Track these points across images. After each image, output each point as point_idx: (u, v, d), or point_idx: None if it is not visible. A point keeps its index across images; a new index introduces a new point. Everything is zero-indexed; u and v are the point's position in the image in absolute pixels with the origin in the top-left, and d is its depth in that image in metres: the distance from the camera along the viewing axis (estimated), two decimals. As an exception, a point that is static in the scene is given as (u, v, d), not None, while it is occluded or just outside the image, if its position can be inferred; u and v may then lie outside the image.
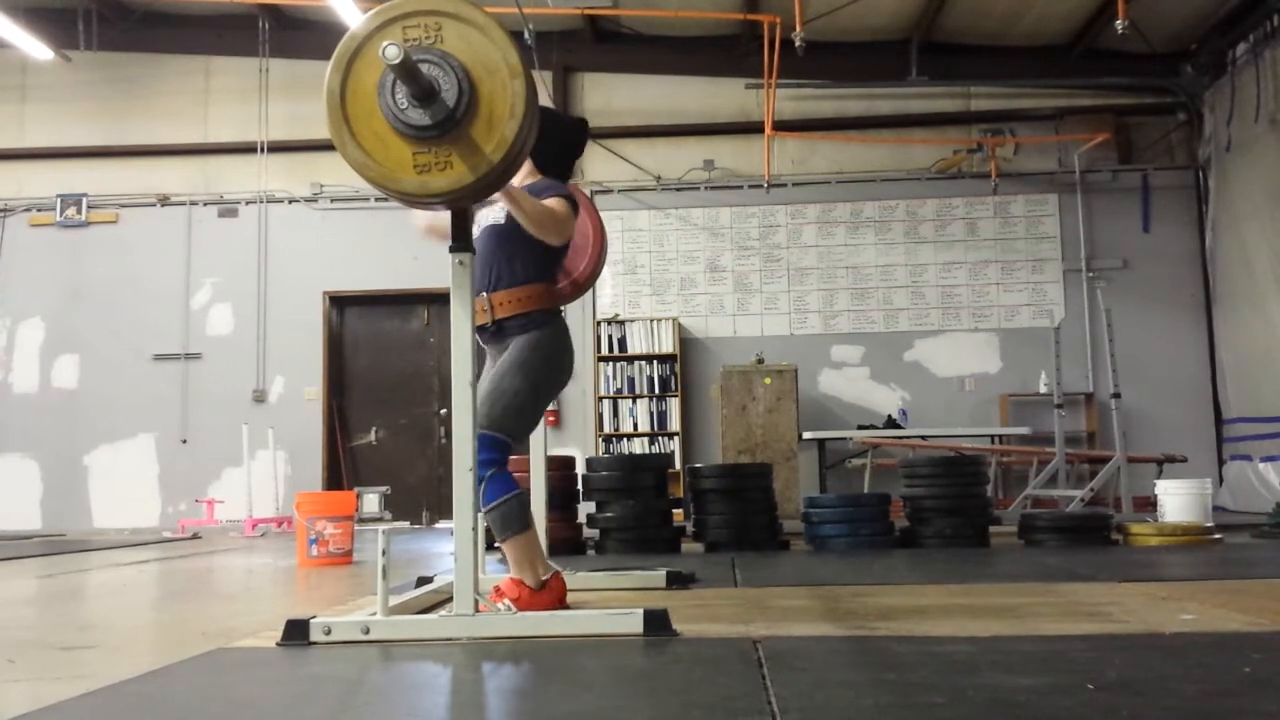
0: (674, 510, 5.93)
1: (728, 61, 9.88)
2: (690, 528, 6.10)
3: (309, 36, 9.78)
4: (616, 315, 9.76)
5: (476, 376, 2.79)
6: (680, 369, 9.54)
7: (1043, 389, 9.11)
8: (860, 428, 9.19)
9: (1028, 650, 2.41)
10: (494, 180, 2.66)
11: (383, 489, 9.16)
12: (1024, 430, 8.95)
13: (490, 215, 3.25)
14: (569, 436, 9.65)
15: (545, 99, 8.40)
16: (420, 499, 9.80)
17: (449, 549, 3.82)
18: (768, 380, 8.36)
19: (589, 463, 5.98)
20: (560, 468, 5.90)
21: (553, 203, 3.16)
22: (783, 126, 9.55)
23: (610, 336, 9.64)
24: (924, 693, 1.96)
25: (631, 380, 9.57)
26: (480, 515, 2.83)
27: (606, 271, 8.82)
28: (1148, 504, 6.87)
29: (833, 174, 9.93)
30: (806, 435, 8.60)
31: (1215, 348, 9.42)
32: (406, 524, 9.42)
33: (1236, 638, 2.57)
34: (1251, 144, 8.71)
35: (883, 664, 2.29)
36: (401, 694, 2.15)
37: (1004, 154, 9.81)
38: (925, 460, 6.00)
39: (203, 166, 10.31)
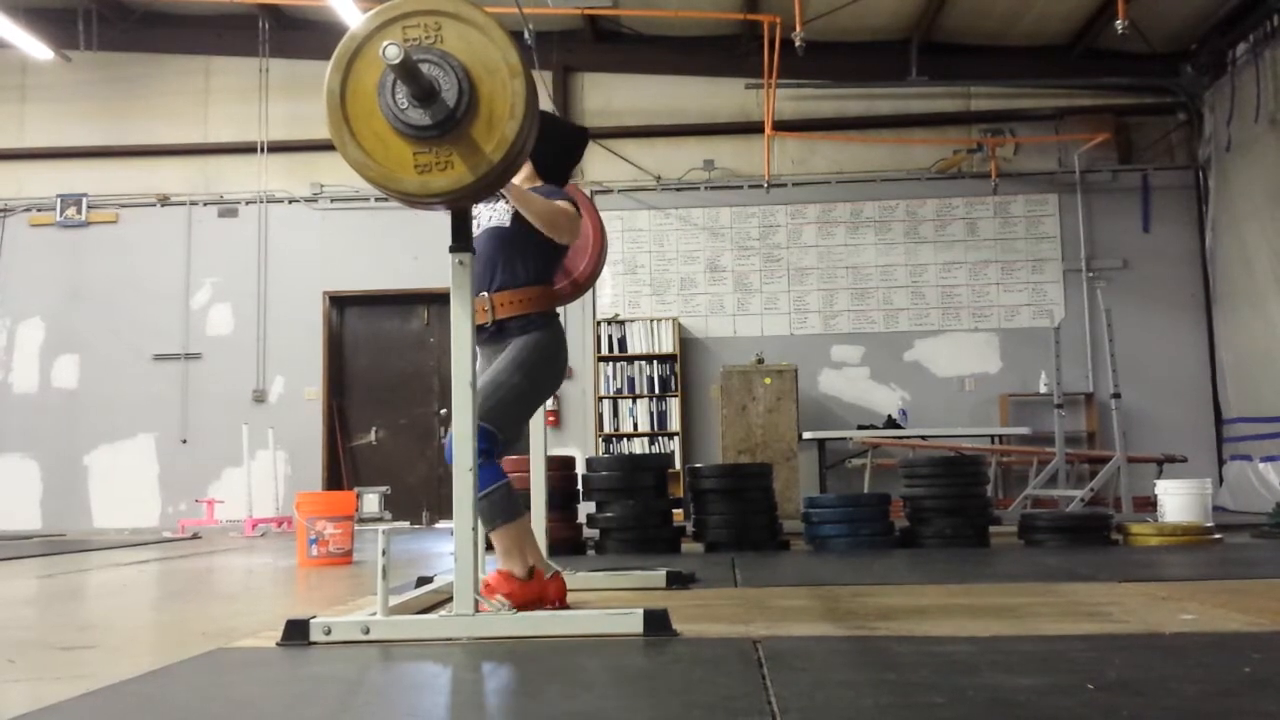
0: (674, 510, 5.93)
1: (728, 61, 9.88)
2: (690, 528, 6.10)
3: (309, 36, 9.79)
4: (616, 315, 9.76)
5: (476, 376, 2.79)
6: (680, 369, 9.54)
7: (1043, 389, 9.11)
8: (860, 428, 9.19)
9: (1028, 650, 2.41)
10: (494, 180, 2.66)
11: (383, 489, 9.17)
12: (1024, 430, 8.95)
13: (493, 217, 3.26)
14: (569, 436, 9.65)
15: (545, 99, 8.41)
16: (420, 499, 9.80)
17: (449, 549, 3.82)
18: (768, 380, 8.36)
19: (589, 463, 5.98)
20: (560, 468, 5.90)
21: (561, 204, 3.22)
22: (783, 126, 9.54)
23: (610, 336, 9.64)
24: (924, 693, 1.96)
25: (631, 380, 9.57)
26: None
27: (606, 271, 8.82)
28: (1148, 504, 6.87)
29: (833, 174, 9.93)
30: (806, 435, 8.60)
31: (1215, 348, 9.42)
32: (406, 524, 9.42)
33: (1236, 638, 2.56)
34: (1251, 144, 8.71)
35: (883, 664, 2.29)
36: (401, 694, 2.15)
37: (1004, 154, 9.81)
38: (925, 460, 6.00)
39: (203, 166, 10.31)
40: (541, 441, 3.84)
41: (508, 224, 3.22)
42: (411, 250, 9.63)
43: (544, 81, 9.61)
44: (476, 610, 2.69)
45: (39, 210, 10.28)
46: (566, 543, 5.58)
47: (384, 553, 2.73)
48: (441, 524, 9.44)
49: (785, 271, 9.84)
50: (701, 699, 1.98)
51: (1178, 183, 9.75)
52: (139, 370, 9.99)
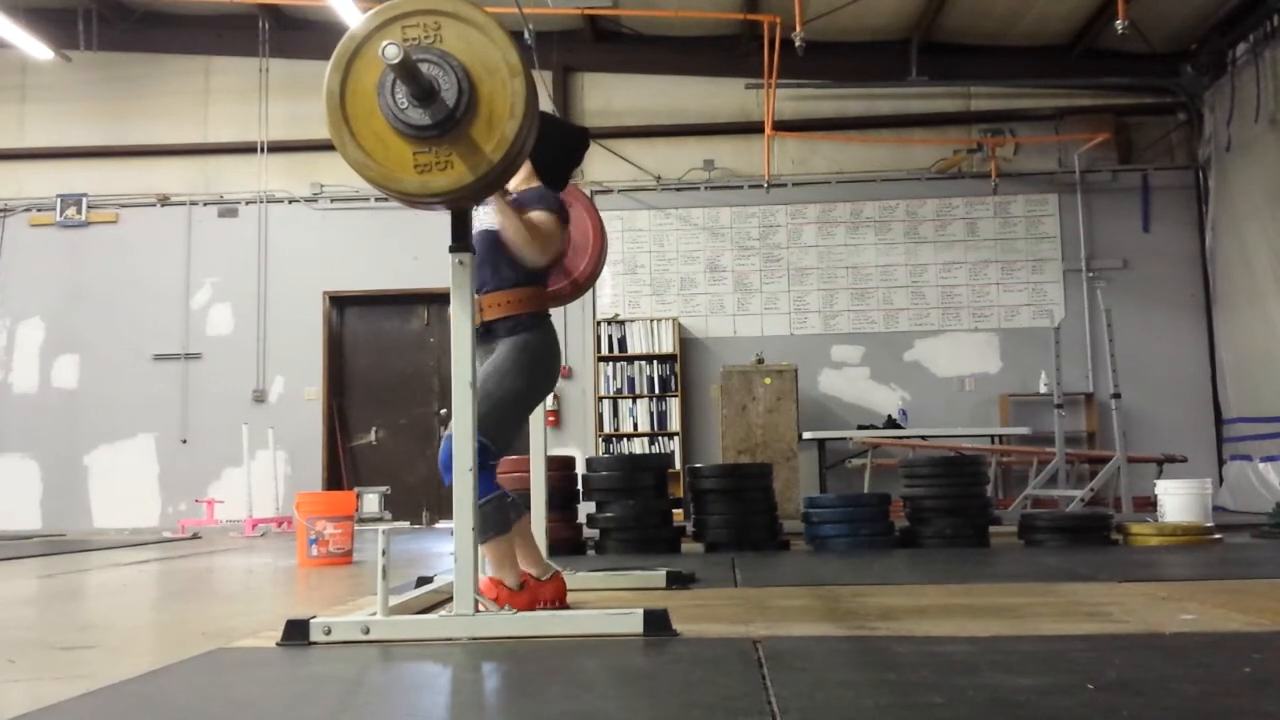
0: (674, 510, 5.93)
1: (728, 61, 9.88)
2: (690, 528, 6.10)
3: (309, 36, 9.78)
4: (616, 315, 9.76)
5: (476, 377, 2.79)
6: (680, 369, 9.54)
7: (1043, 389, 9.10)
8: (860, 428, 9.19)
9: (1028, 650, 2.41)
10: (494, 180, 2.66)
11: (383, 489, 9.17)
12: (1024, 430, 8.95)
13: (487, 219, 3.24)
14: (569, 436, 9.65)
15: (545, 99, 8.40)
16: (420, 499, 9.79)
17: (449, 549, 3.82)
18: (768, 380, 8.36)
19: (589, 463, 5.99)
20: (560, 468, 5.89)
21: (539, 216, 3.16)
22: (783, 126, 9.54)
23: (610, 336, 9.64)
24: (924, 693, 1.96)
25: (631, 380, 9.57)
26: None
27: (606, 271, 8.81)
28: (1148, 504, 6.87)
29: (833, 174, 9.93)
30: (806, 435, 8.60)
31: (1215, 348, 9.42)
32: (406, 524, 9.42)
33: (1236, 638, 2.56)
34: (1251, 144, 8.71)
35: (883, 664, 2.29)
36: (401, 694, 2.15)
37: (1004, 154, 9.81)
38: (925, 460, 6.00)
39: (203, 166, 10.31)
40: (541, 441, 3.84)
41: (498, 226, 3.20)
42: (411, 250, 9.63)
43: (544, 81, 9.61)
44: (476, 610, 2.69)
45: (39, 210, 10.28)
46: (566, 543, 5.58)
47: (384, 553, 2.73)
48: (441, 524, 9.44)
49: (785, 271, 9.84)
50: (701, 699, 1.98)
51: (1178, 183, 9.75)
52: (139, 370, 9.99)
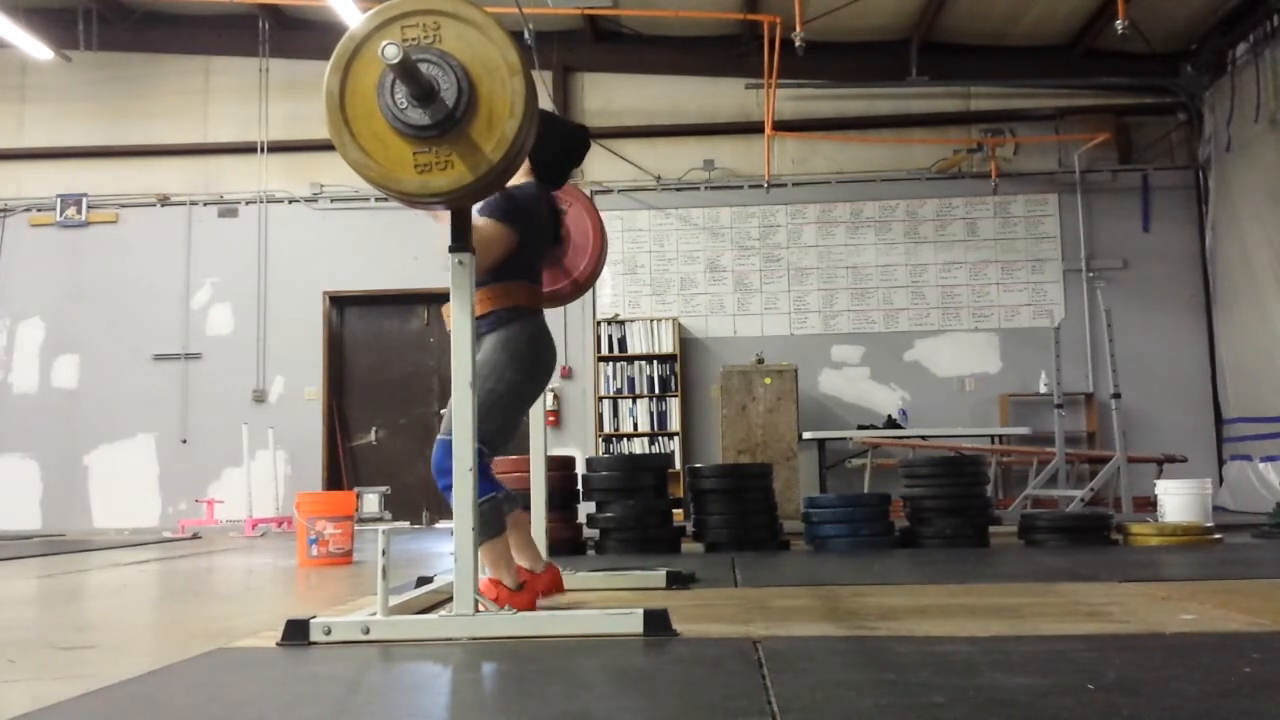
0: (674, 510, 5.93)
1: (728, 61, 9.88)
2: (690, 528, 6.10)
3: (309, 36, 9.79)
4: (616, 315, 9.76)
5: (476, 376, 2.78)
6: (680, 369, 9.54)
7: (1043, 389, 9.11)
8: (860, 428, 9.19)
9: (1028, 650, 2.41)
10: (494, 179, 2.66)
11: (383, 489, 9.17)
12: (1024, 430, 8.95)
13: None
14: (569, 436, 9.65)
15: (545, 99, 8.41)
16: (420, 499, 9.79)
17: (449, 549, 3.82)
18: (768, 380, 8.37)
19: (589, 463, 5.98)
20: (560, 468, 5.89)
21: (478, 222, 2.99)
22: (783, 126, 9.55)
23: (610, 336, 9.64)
24: (924, 693, 1.96)
25: (631, 380, 9.57)
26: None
27: (606, 271, 8.81)
28: (1148, 504, 6.87)
29: (833, 174, 9.93)
30: (806, 435, 8.60)
31: (1215, 348, 9.42)
32: (406, 524, 9.42)
33: (1236, 638, 2.56)
34: (1251, 144, 8.71)
35: (883, 664, 2.29)
36: (401, 694, 2.15)
37: (1004, 154, 9.81)
38: (925, 460, 6.00)
39: (203, 166, 10.31)
40: (541, 441, 3.84)
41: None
42: (411, 250, 9.64)
43: (544, 81, 9.62)
44: (476, 610, 2.69)
45: (39, 210, 10.28)
46: (566, 543, 5.58)
47: (384, 553, 2.73)
48: (441, 524, 9.44)
49: (785, 271, 9.84)
50: (701, 699, 1.98)
51: (1178, 183, 9.75)
52: (139, 370, 9.99)
